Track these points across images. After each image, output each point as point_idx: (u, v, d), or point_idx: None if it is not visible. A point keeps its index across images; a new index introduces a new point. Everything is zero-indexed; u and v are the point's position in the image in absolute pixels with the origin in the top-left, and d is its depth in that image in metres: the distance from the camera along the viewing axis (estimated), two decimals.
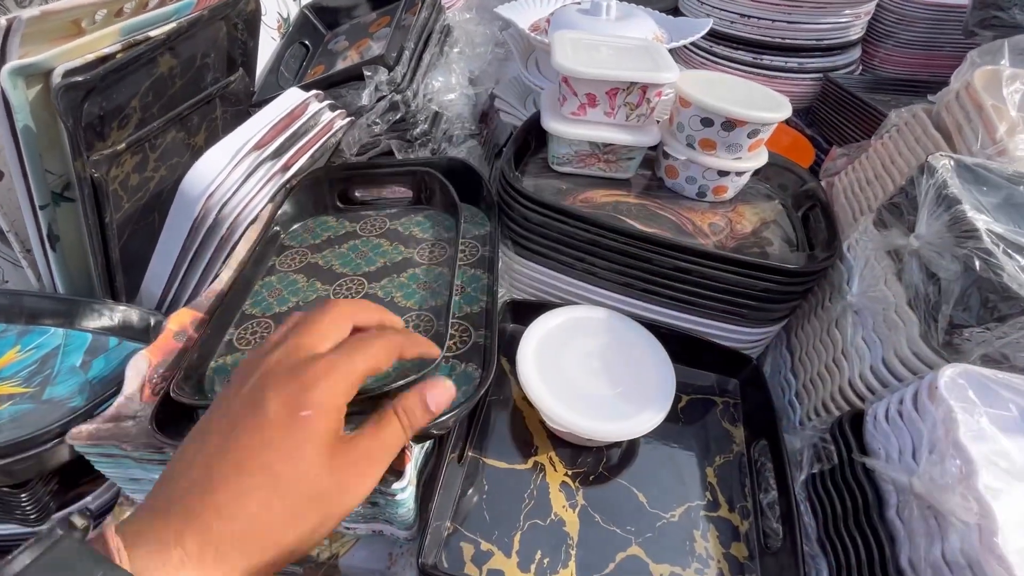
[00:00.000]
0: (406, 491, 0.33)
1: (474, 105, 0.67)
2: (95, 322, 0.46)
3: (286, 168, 0.44)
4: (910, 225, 0.38)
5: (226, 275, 0.44)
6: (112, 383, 0.40)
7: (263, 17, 0.63)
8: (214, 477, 0.22)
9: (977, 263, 0.31)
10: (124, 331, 0.46)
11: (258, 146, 0.43)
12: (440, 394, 0.29)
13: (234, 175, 0.41)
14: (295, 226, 0.52)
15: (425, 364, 0.33)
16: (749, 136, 0.48)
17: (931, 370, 0.34)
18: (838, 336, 0.43)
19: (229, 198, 0.40)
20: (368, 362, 0.27)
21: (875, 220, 0.43)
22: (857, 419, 0.36)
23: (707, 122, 0.48)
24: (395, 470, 0.32)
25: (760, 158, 0.51)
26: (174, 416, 0.34)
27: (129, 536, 0.21)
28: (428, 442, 0.40)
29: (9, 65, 0.32)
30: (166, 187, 0.50)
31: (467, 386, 0.34)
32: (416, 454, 0.36)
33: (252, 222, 0.44)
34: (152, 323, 0.45)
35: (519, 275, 0.52)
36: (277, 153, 0.44)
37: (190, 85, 0.49)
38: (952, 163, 0.39)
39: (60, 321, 0.46)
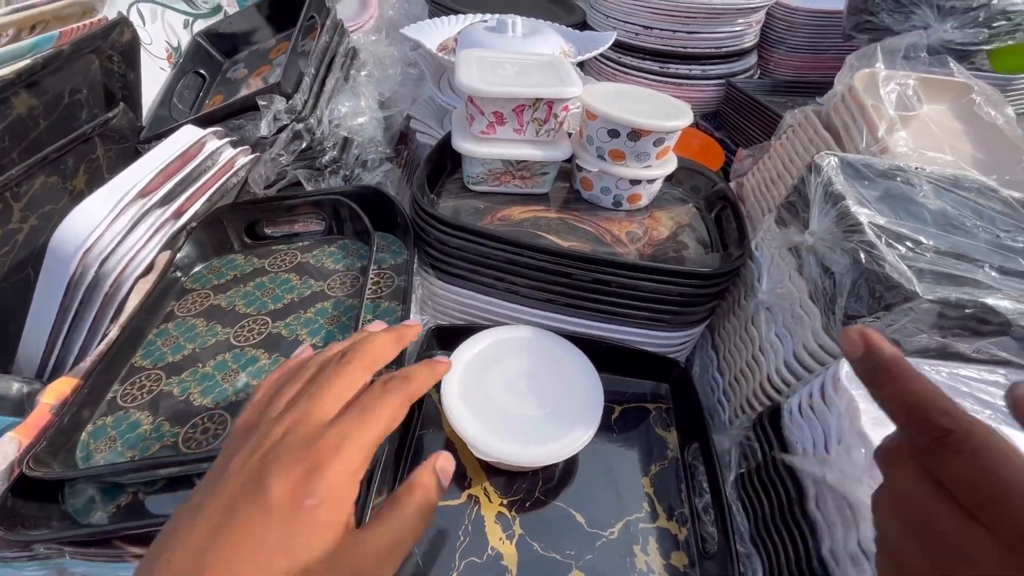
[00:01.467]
0: None
1: (387, 128, 0.65)
2: None
3: (179, 214, 0.41)
4: (805, 222, 0.40)
5: (115, 333, 0.40)
6: None
7: (148, 47, 0.59)
8: (204, 573, 0.19)
9: (862, 255, 0.33)
10: None
11: (144, 193, 0.39)
12: (446, 462, 0.27)
13: (116, 226, 0.37)
14: (199, 268, 0.49)
15: None
16: (655, 144, 0.49)
17: (834, 360, 0.36)
18: (755, 333, 0.44)
19: (111, 252, 0.37)
20: (382, 425, 0.24)
21: (776, 219, 0.44)
22: (776, 415, 0.37)
23: (614, 133, 0.49)
24: None
25: (669, 165, 0.52)
26: (37, 497, 0.30)
27: None
28: None
29: None
30: (41, 239, 0.45)
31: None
32: None
33: (143, 274, 0.40)
34: (27, 393, 0.40)
35: (442, 300, 0.50)
36: (167, 199, 0.40)
37: (59, 125, 0.44)
38: (836, 161, 0.41)
39: None
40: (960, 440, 0.17)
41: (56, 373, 0.43)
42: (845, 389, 0.31)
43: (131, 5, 0.58)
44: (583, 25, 0.84)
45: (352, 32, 0.78)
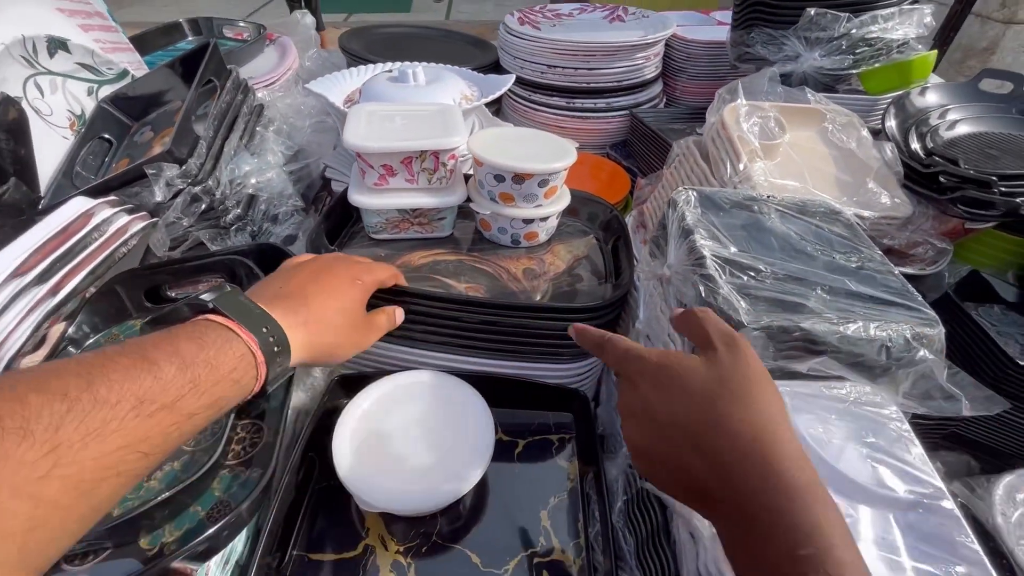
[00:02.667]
0: None
1: (301, 179, 0.67)
2: None
3: (56, 290, 0.41)
4: (667, 255, 0.42)
5: None
6: None
7: (48, 117, 0.60)
8: (308, 293, 0.37)
9: (701, 288, 0.35)
10: None
11: (18, 273, 0.40)
12: (401, 313, 0.45)
13: None
14: (96, 338, 0.49)
15: (191, 473, 0.32)
16: (540, 185, 0.51)
17: None
18: None
19: None
20: (384, 274, 0.43)
21: (650, 251, 0.47)
22: None
23: (500, 178, 0.51)
24: None
25: (560, 202, 0.55)
26: None
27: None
28: (239, 553, 0.37)
29: None
30: None
31: (243, 499, 0.33)
32: (214, 573, 0.34)
33: (19, 354, 0.40)
34: None
35: None
36: (43, 277, 0.41)
37: None
38: (695, 195, 0.44)
39: None
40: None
41: None
42: None
43: (28, 78, 0.58)
44: (496, 64, 0.87)
45: (268, 85, 0.80)
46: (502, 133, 0.56)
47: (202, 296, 0.31)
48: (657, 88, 0.85)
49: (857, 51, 0.65)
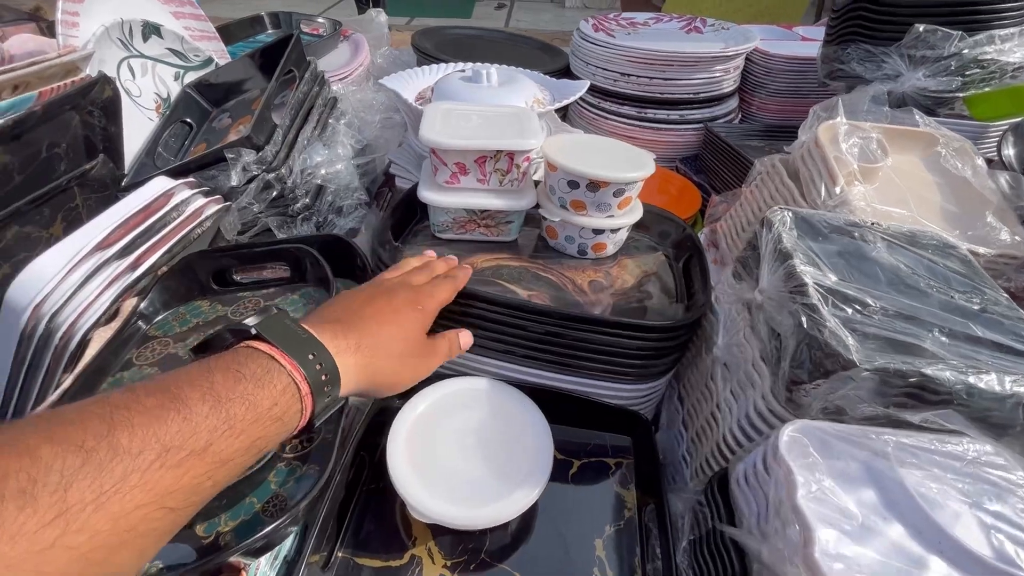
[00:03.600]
0: None
1: (366, 173, 0.67)
2: None
3: (136, 265, 0.42)
4: (757, 279, 0.39)
5: (69, 382, 0.40)
6: None
7: (137, 99, 0.62)
8: (363, 316, 0.34)
9: (804, 319, 0.32)
10: None
11: (102, 246, 0.40)
12: (467, 337, 0.43)
13: (69, 280, 0.38)
14: (164, 315, 0.49)
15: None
16: (615, 195, 0.49)
17: (782, 424, 0.35)
18: (714, 389, 0.43)
19: (62, 305, 0.37)
20: (446, 294, 0.41)
21: (733, 272, 0.44)
22: (724, 480, 0.36)
23: (573, 184, 0.49)
24: None
25: (633, 214, 0.52)
26: None
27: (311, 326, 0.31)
28: (287, 549, 0.37)
29: None
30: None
31: (300, 494, 0.32)
32: (264, 569, 0.33)
33: (95, 326, 0.41)
34: None
35: None
36: (125, 251, 0.41)
37: (35, 178, 0.46)
38: (791, 216, 0.40)
39: None
40: None
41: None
42: (784, 459, 0.30)
43: (122, 60, 0.61)
44: (566, 70, 0.86)
45: (341, 79, 0.81)
46: (577, 139, 0.54)
47: (245, 320, 0.28)
48: (733, 103, 0.81)
49: (967, 73, 0.60)
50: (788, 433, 0.31)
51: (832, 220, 0.41)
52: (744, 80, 0.83)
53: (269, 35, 0.93)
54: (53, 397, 0.40)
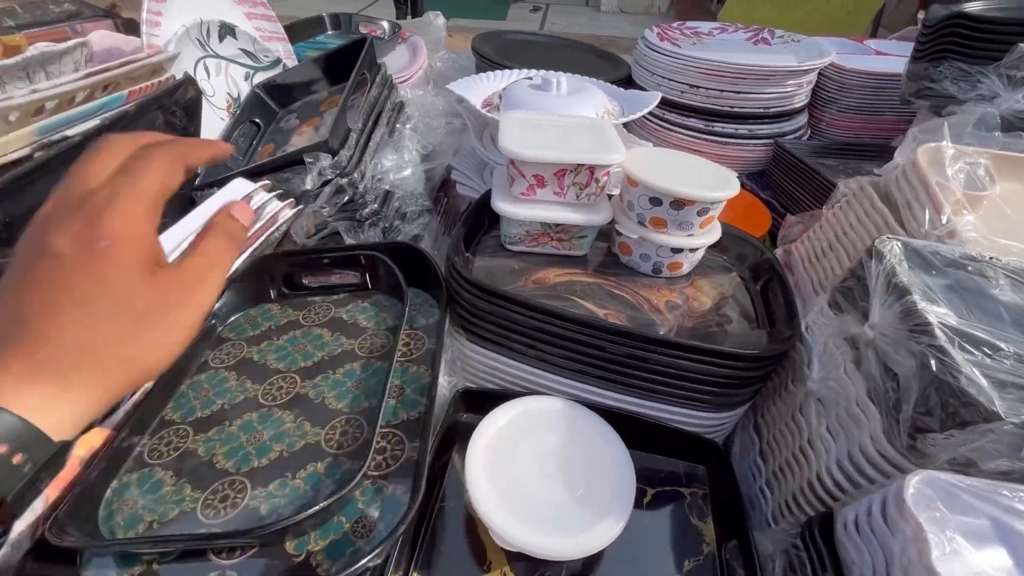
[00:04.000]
0: None
1: (428, 180, 0.66)
2: None
3: None
4: (863, 312, 0.37)
5: (150, 383, 0.40)
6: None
7: (210, 98, 0.62)
8: (24, 319, 0.22)
9: (933, 362, 0.30)
10: None
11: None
12: (242, 209, 0.30)
13: None
14: (235, 316, 0.49)
15: (342, 482, 0.31)
16: (699, 214, 0.47)
17: (898, 471, 0.32)
18: (803, 423, 0.41)
19: None
20: (154, 177, 0.24)
21: (830, 302, 0.42)
22: (828, 524, 0.34)
23: (656, 201, 0.47)
24: None
25: (713, 233, 0.50)
26: (55, 559, 0.30)
27: None
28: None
29: None
30: None
31: (394, 515, 0.31)
32: None
33: None
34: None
35: (472, 362, 0.49)
36: None
37: None
38: (900, 247, 0.38)
39: None
40: None
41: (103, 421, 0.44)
42: (912, 514, 0.28)
43: (199, 60, 0.61)
44: (628, 80, 0.84)
45: (401, 83, 0.80)
46: (656, 154, 0.52)
47: None
48: (803, 118, 0.78)
49: None
50: (914, 485, 0.29)
51: (945, 252, 0.38)
52: (814, 95, 0.80)
53: (329, 36, 0.94)
54: (137, 397, 0.40)
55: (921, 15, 0.70)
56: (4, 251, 0.37)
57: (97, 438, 0.37)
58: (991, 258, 0.38)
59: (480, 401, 0.47)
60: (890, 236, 0.39)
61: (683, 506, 0.44)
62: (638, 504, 0.43)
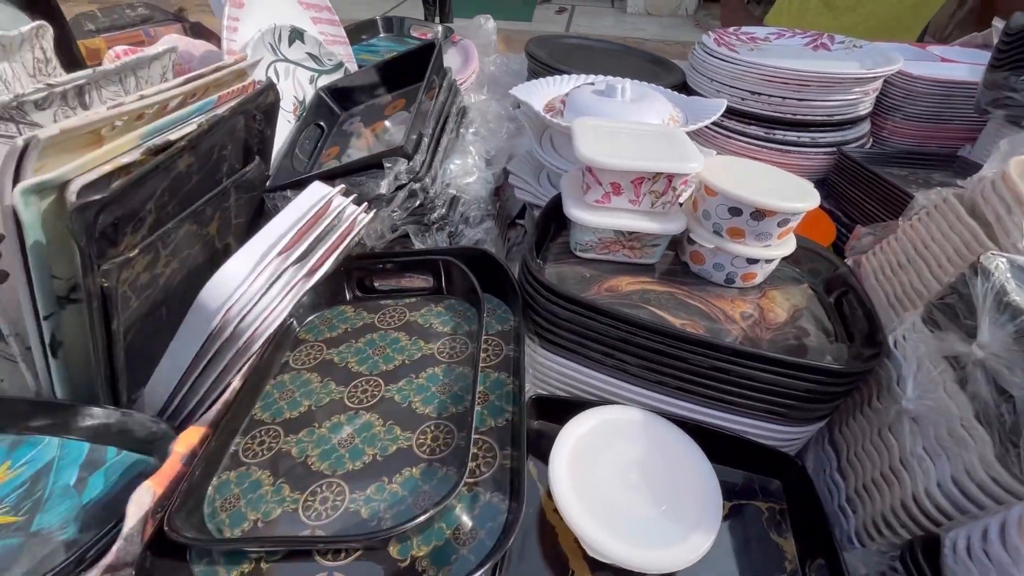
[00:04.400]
0: None
1: (490, 185, 0.66)
2: (93, 430, 0.43)
3: (312, 273, 0.43)
4: (968, 330, 0.36)
5: (237, 383, 0.41)
6: (109, 510, 0.36)
7: (280, 102, 0.63)
8: None
9: None
10: (124, 440, 0.43)
11: (283, 251, 0.41)
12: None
13: (256, 284, 0.39)
14: (311, 317, 0.50)
15: (444, 490, 0.31)
16: (779, 225, 0.47)
17: (1013, 497, 0.31)
18: (893, 442, 0.40)
19: (249, 310, 0.38)
20: None
21: (924, 318, 0.41)
22: (933, 549, 0.33)
23: (735, 211, 0.47)
24: None
25: (789, 245, 0.50)
26: (168, 554, 0.30)
27: None
28: None
29: (22, 185, 0.31)
30: (175, 280, 0.48)
31: (493, 523, 0.31)
32: None
33: (277, 331, 0.41)
34: (155, 431, 0.42)
35: (544, 369, 0.49)
36: (303, 257, 0.42)
37: (206, 179, 0.48)
38: (1005, 264, 0.37)
39: (55, 429, 0.43)
40: None
41: (175, 415, 0.45)
42: None
43: (270, 64, 0.63)
44: (683, 86, 0.83)
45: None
46: (732, 163, 0.52)
47: None
48: (866, 126, 0.77)
49: None
50: None
51: None
52: (877, 102, 0.78)
53: (381, 39, 0.95)
54: (227, 395, 0.41)
55: (997, 23, 0.68)
56: (110, 251, 0.38)
57: (195, 435, 0.37)
58: None
59: (552, 408, 0.47)
60: (995, 253, 0.38)
61: (761, 521, 0.43)
62: None
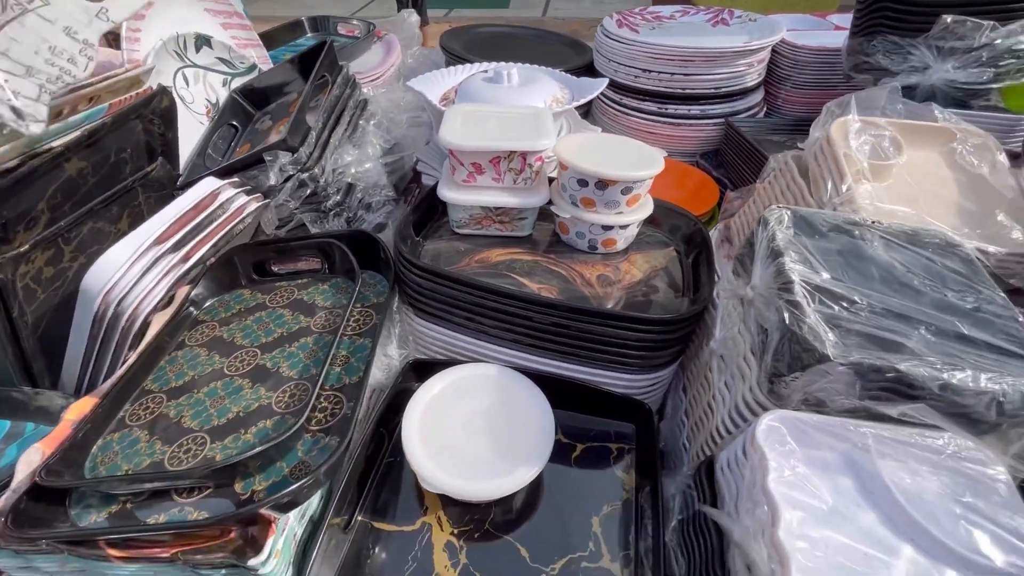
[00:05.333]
0: (268, 565, 0.34)
1: (392, 171, 0.71)
2: (9, 409, 0.48)
3: (186, 259, 0.47)
4: (752, 275, 0.41)
5: (134, 358, 0.46)
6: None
7: (190, 105, 0.68)
8: None
9: (786, 315, 0.34)
10: (39, 416, 0.48)
11: (159, 240, 0.46)
12: None
13: (132, 271, 0.44)
14: (211, 301, 0.55)
15: (280, 432, 0.36)
16: (623, 192, 0.51)
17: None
18: (712, 379, 0.45)
19: (127, 292, 0.43)
20: None
21: (733, 268, 0.45)
22: (711, 466, 0.38)
23: (583, 182, 0.51)
24: (255, 544, 0.34)
25: (642, 210, 0.54)
26: (48, 501, 0.36)
27: None
28: (313, 510, 0.41)
29: None
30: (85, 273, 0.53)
31: (322, 462, 0.36)
32: (292, 524, 0.38)
33: (154, 310, 0.46)
34: (63, 407, 0.48)
35: (422, 336, 0.54)
36: (178, 245, 0.47)
37: (105, 180, 0.53)
38: (788, 215, 0.41)
39: None
40: None
41: (89, 391, 0.51)
42: (759, 445, 0.32)
43: (177, 70, 0.67)
44: (590, 67, 0.87)
45: (373, 80, 0.85)
46: (590, 138, 0.56)
47: None
48: (757, 96, 0.81)
49: (1000, 63, 0.57)
50: (766, 422, 0.33)
51: (831, 219, 0.42)
52: (770, 72, 0.82)
53: (309, 39, 0.99)
54: (120, 371, 0.46)
55: None
56: (3, 248, 0.44)
57: (86, 404, 0.43)
58: (873, 222, 0.41)
59: (429, 370, 0.52)
60: (781, 206, 0.42)
61: (609, 459, 0.48)
62: (567, 459, 0.48)
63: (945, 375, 0.30)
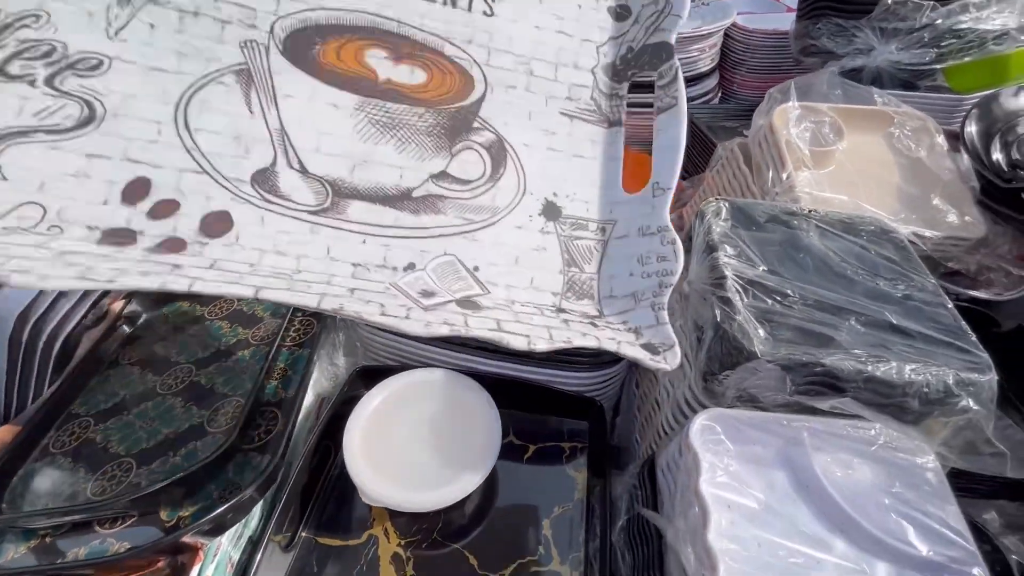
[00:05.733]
0: None
1: None
2: None
3: None
4: (689, 270, 0.40)
5: (59, 381, 0.44)
6: None
7: None
8: None
9: (717, 312, 0.33)
10: None
11: None
12: None
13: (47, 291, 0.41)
14: (148, 316, 0.53)
15: (194, 460, 0.35)
16: None
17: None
18: (658, 376, 0.45)
19: (42, 314, 0.41)
20: None
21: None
22: (652, 465, 0.38)
23: None
24: (184, 573, 0.33)
25: None
26: None
27: None
28: (252, 530, 0.40)
29: None
30: None
31: (250, 483, 0.35)
32: (226, 548, 0.36)
33: (79, 328, 0.44)
34: None
35: (369, 342, 0.53)
36: None
37: None
38: (726, 207, 0.41)
39: None
40: None
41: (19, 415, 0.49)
42: (692, 445, 0.31)
43: None
44: None
45: None
46: None
47: None
48: (712, 82, 0.80)
49: (943, 44, 0.58)
50: (700, 421, 0.32)
51: (769, 209, 0.41)
52: (724, 57, 0.81)
53: None
54: (46, 394, 0.44)
55: None
56: None
57: (7, 434, 0.41)
58: (810, 212, 0.41)
59: (376, 377, 0.50)
60: (719, 198, 0.42)
61: (561, 459, 0.48)
62: (519, 459, 0.48)
63: (870, 368, 0.30)
